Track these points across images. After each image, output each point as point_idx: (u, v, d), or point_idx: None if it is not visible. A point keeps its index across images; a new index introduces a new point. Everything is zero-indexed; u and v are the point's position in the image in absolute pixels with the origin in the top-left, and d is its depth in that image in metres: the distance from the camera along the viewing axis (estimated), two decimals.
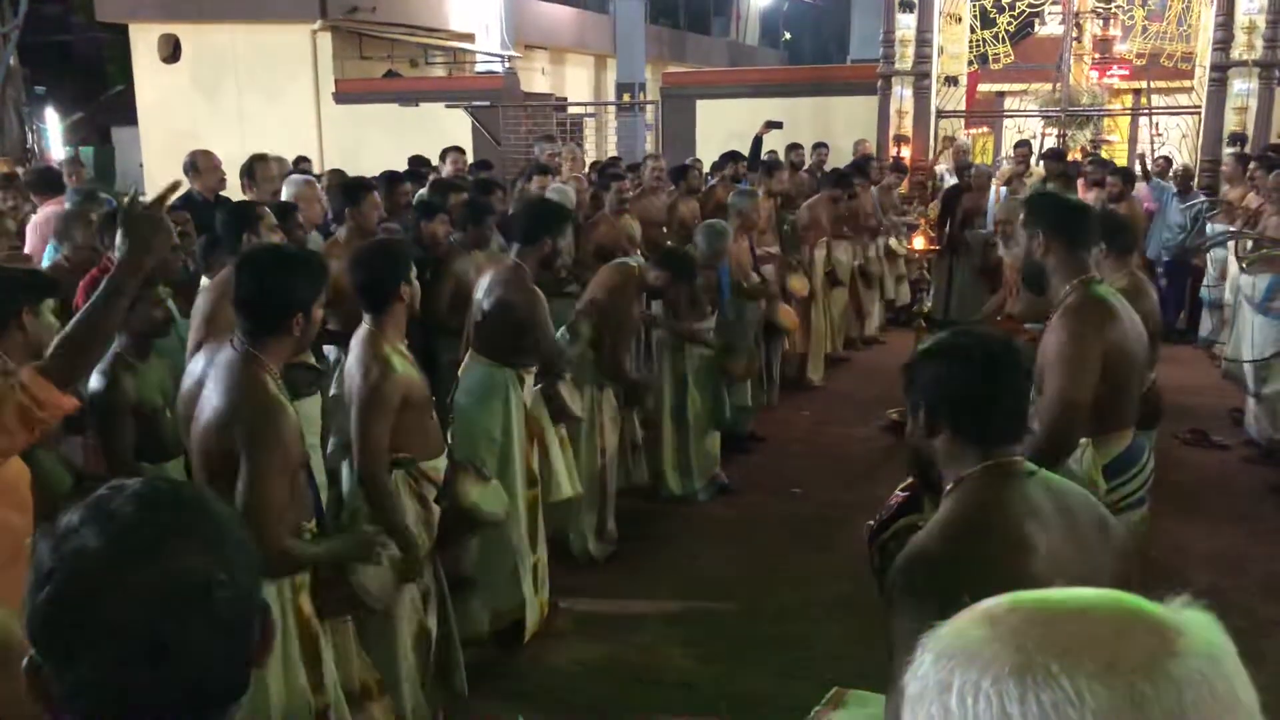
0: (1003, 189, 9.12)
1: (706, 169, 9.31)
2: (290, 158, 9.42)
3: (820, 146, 10.55)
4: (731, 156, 8.83)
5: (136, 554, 1.00)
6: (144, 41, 15.11)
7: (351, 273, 3.40)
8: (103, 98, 20.95)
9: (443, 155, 8.41)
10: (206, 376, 2.71)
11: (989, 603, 0.80)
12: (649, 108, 14.84)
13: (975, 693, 0.71)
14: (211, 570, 1.02)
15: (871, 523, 2.34)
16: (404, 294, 3.34)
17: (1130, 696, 0.69)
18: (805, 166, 9.67)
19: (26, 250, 5.89)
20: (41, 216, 6.31)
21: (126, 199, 2.50)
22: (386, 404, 3.22)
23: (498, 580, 4.22)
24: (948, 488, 1.88)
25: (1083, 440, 3.05)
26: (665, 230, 7.47)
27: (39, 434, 2.35)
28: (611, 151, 14.41)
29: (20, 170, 9.36)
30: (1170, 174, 10.17)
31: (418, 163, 8.45)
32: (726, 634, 4.39)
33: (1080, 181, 8.97)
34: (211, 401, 2.61)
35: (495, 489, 3.75)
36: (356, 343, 3.36)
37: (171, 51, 15.05)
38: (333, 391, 4.73)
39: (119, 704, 1.01)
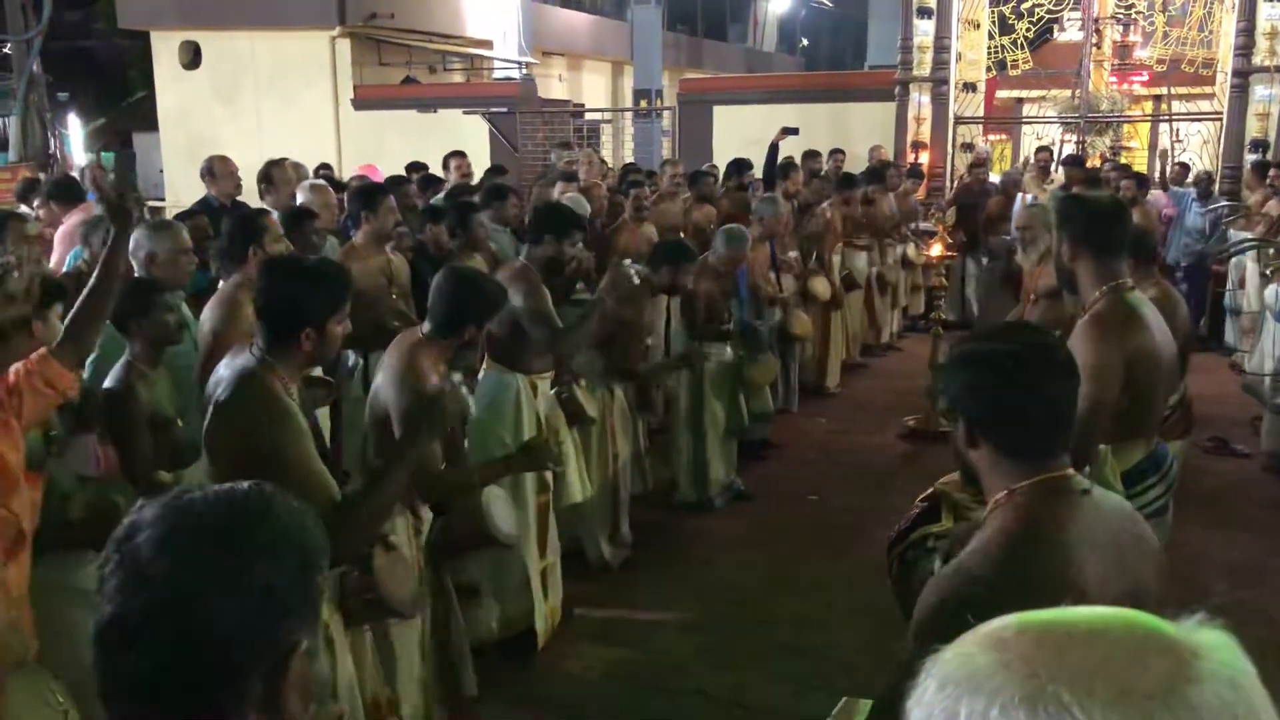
0: (1028, 196, 9.08)
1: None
2: (309, 164, 9.44)
3: (837, 153, 10.53)
4: (737, 165, 8.82)
5: (152, 549, 1.06)
6: (165, 48, 15.22)
7: (442, 286, 3.40)
8: (124, 104, 21.13)
9: (445, 161, 8.37)
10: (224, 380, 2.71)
11: (996, 624, 0.77)
12: (666, 114, 14.82)
13: None
14: (194, 590, 1.04)
15: (891, 535, 2.33)
16: (471, 333, 3.38)
17: None
18: (822, 173, 9.65)
19: (52, 259, 5.92)
20: (69, 226, 6.34)
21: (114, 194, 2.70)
22: None
23: (508, 588, 4.20)
24: (994, 500, 1.76)
25: (1102, 447, 3.01)
26: (682, 236, 7.47)
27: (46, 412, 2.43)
28: (628, 157, 14.41)
29: (42, 176, 9.42)
30: (1189, 179, 10.10)
31: (415, 169, 8.44)
32: (741, 642, 4.37)
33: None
34: (218, 403, 2.61)
35: (513, 507, 3.72)
36: (403, 350, 3.33)
37: (192, 58, 15.16)
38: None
39: (109, 688, 1.06)
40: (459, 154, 8.32)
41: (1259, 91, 10.53)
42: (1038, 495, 1.71)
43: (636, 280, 4.69)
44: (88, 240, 5.05)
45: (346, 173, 11.85)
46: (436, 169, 8.49)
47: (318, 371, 3.68)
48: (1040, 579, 1.61)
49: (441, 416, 2.95)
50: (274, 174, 5.92)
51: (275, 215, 4.59)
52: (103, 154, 18.96)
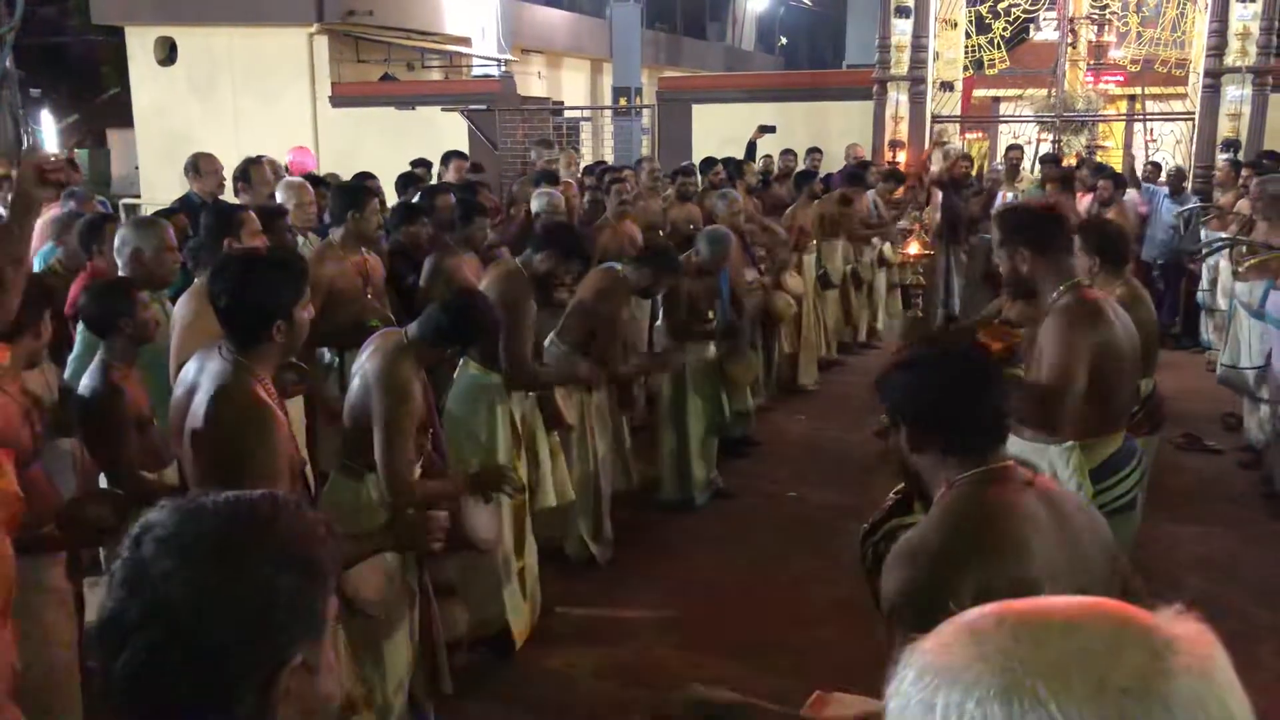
0: (1010, 195, 9.15)
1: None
2: (285, 161, 9.41)
3: (814, 151, 10.58)
4: (709, 163, 8.88)
5: (155, 551, 1.06)
6: (140, 44, 15.07)
7: (451, 302, 3.41)
8: (98, 100, 20.92)
9: (445, 160, 8.38)
10: (198, 385, 2.65)
11: (974, 614, 0.77)
12: (645, 112, 14.82)
13: (959, 715, 0.69)
14: (190, 595, 1.04)
15: (865, 526, 2.36)
16: (454, 352, 3.42)
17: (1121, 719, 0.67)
18: (794, 171, 9.68)
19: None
20: (42, 219, 6.30)
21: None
22: (410, 425, 3.25)
23: (481, 589, 4.19)
24: (940, 491, 1.87)
25: (1070, 443, 3.07)
26: (662, 234, 7.49)
27: None
28: (608, 155, 14.40)
29: (13, 174, 9.33)
30: (1160, 178, 10.19)
31: (419, 164, 8.45)
32: (721, 638, 4.39)
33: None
34: (201, 411, 2.56)
35: (489, 515, 3.72)
36: (386, 354, 3.30)
37: (167, 54, 15.02)
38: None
39: (107, 688, 1.06)
40: (460, 155, 8.33)
41: (1230, 92, 10.64)
42: (980, 480, 1.82)
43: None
44: (61, 239, 5.03)
45: (324, 170, 11.80)
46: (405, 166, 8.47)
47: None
48: (980, 553, 1.71)
49: (424, 539, 2.97)
50: (252, 173, 5.89)
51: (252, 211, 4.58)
52: (77, 151, 18.79)
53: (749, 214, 7.34)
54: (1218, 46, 10.59)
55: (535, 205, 6.33)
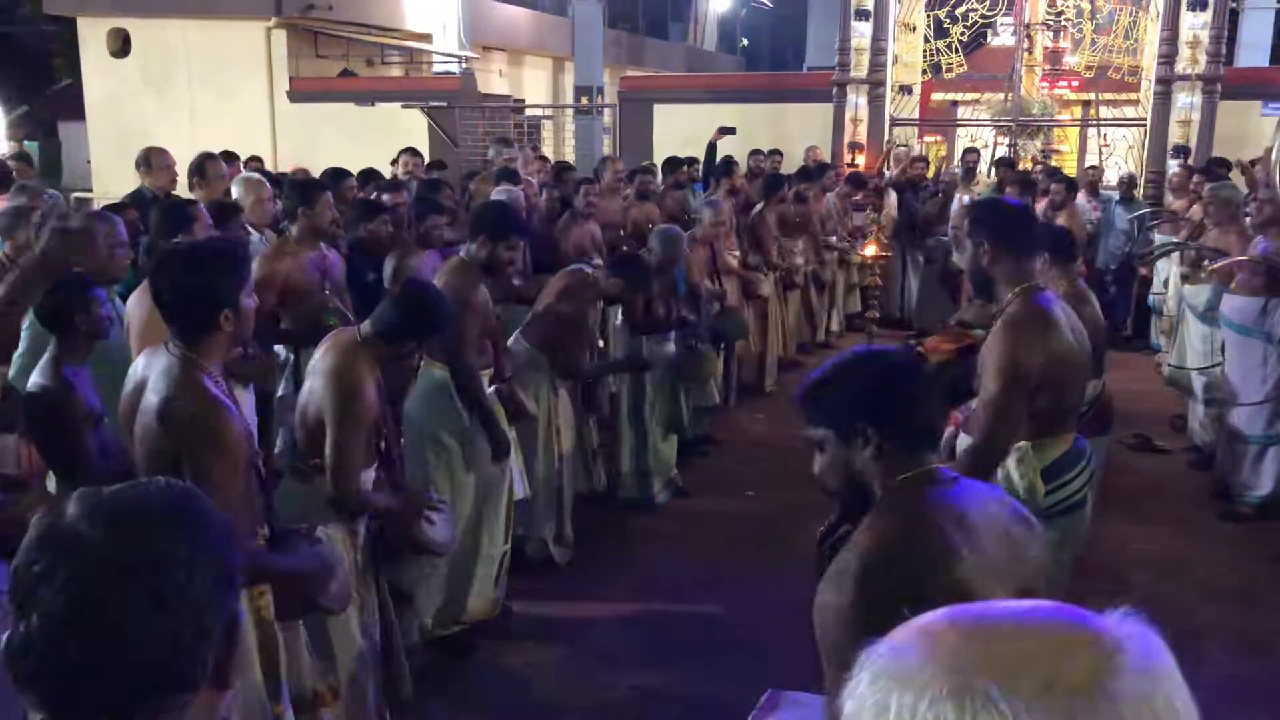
0: (965, 197, 9.25)
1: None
2: (243, 156, 9.29)
3: (774, 153, 10.62)
4: (672, 164, 8.86)
5: (105, 525, 1.03)
6: (92, 35, 14.81)
7: (400, 296, 3.37)
8: (49, 91, 20.56)
9: (396, 159, 8.33)
10: (145, 381, 2.62)
11: (926, 618, 0.78)
12: (606, 111, 14.82)
13: (912, 716, 0.70)
14: (167, 554, 1.03)
15: (822, 528, 2.37)
16: (410, 348, 3.39)
17: (1069, 718, 0.68)
18: (759, 173, 9.73)
19: None
20: None
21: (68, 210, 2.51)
22: (363, 422, 3.21)
23: (437, 587, 4.17)
24: (879, 496, 1.91)
25: (1022, 444, 3.10)
26: (622, 234, 7.49)
27: None
28: (569, 154, 14.37)
29: None
30: (1105, 184, 10.36)
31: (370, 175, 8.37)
32: (679, 636, 4.40)
33: None
34: (150, 407, 2.54)
35: (446, 520, 3.68)
36: (339, 352, 3.27)
37: (121, 46, 14.77)
38: (281, 391, 4.68)
39: (52, 674, 1.01)
40: (413, 151, 8.27)
41: (1181, 99, 10.84)
42: (910, 489, 1.86)
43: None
44: (10, 232, 4.91)
45: (281, 166, 11.67)
46: (372, 162, 8.39)
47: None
48: (914, 562, 1.74)
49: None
50: (207, 168, 5.80)
51: (203, 206, 4.52)
52: (25, 143, 18.44)
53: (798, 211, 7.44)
54: (1169, 54, 10.79)
55: None
